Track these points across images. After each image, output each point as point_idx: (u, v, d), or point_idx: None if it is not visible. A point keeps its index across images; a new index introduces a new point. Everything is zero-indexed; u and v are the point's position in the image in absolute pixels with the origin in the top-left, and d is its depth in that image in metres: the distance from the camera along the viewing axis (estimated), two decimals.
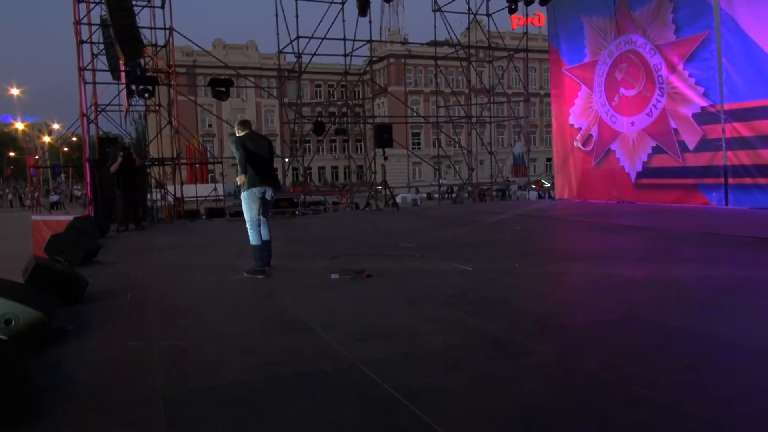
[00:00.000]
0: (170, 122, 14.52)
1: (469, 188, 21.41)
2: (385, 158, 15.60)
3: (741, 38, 10.54)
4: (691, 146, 11.81)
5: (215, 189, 17.07)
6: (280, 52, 17.90)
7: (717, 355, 3.16)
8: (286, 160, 28.17)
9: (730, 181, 11.03)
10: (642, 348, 3.30)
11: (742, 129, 10.75)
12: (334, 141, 54.28)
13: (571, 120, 15.17)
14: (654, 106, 12.60)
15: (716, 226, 8.67)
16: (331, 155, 57.28)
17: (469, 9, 18.65)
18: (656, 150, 12.67)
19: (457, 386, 2.78)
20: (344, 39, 17.42)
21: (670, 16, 12.00)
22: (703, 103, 11.49)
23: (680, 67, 11.90)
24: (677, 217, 10.19)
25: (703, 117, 11.51)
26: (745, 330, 3.56)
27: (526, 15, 18.63)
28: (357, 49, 18.65)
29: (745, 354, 3.14)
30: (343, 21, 17.20)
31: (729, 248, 6.75)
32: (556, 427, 2.33)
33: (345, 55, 18.07)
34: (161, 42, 15.66)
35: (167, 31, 14.27)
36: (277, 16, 16.80)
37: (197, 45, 17.14)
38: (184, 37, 15.14)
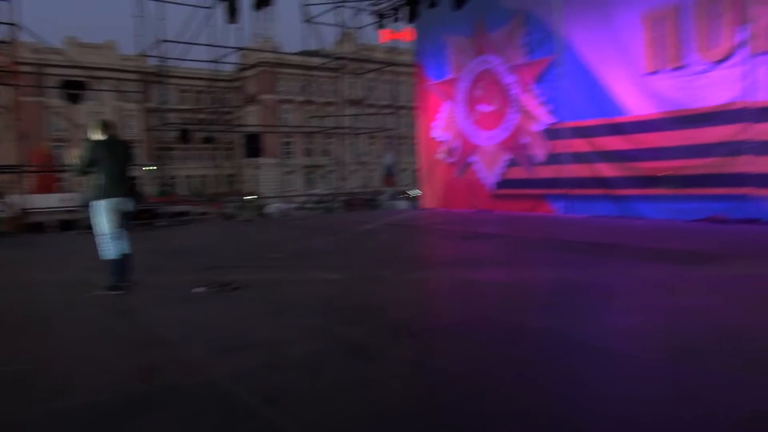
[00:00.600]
0: (13, 126, 13.22)
1: (340, 198, 21.69)
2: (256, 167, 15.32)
3: (578, 62, 11.79)
4: (540, 160, 12.93)
5: (68, 199, 15.79)
6: (142, 55, 17.00)
7: (554, 351, 3.53)
8: (149, 168, 26.71)
9: (573, 191, 12.23)
10: (490, 346, 3.60)
11: (582, 144, 11.97)
12: (204, 149, 52.36)
13: (435, 133, 15.96)
14: (509, 122, 13.64)
15: (561, 233, 9.57)
16: (200, 164, 55.16)
17: (339, 22, 19.00)
18: (511, 163, 13.71)
19: (316, 391, 2.85)
20: (212, 45, 16.96)
21: (522, 40, 13.09)
22: (550, 120, 12.64)
23: (531, 86, 13.01)
24: (528, 225, 11.10)
25: (550, 133, 12.66)
26: (581, 327, 4.00)
27: (394, 30, 19.33)
28: (226, 55, 18.25)
29: (577, 348, 3.53)
30: (212, 26, 16.77)
31: (570, 253, 7.49)
32: (411, 426, 2.48)
33: (214, 62, 17.60)
34: (4, 38, 14.24)
35: (12, 27, 13.02)
36: (138, 16, 15.98)
37: (45, 42, 15.78)
38: (31, 33, 13.90)
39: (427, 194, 16.59)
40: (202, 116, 39.12)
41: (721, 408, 2.52)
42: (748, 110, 9.36)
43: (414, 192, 19.81)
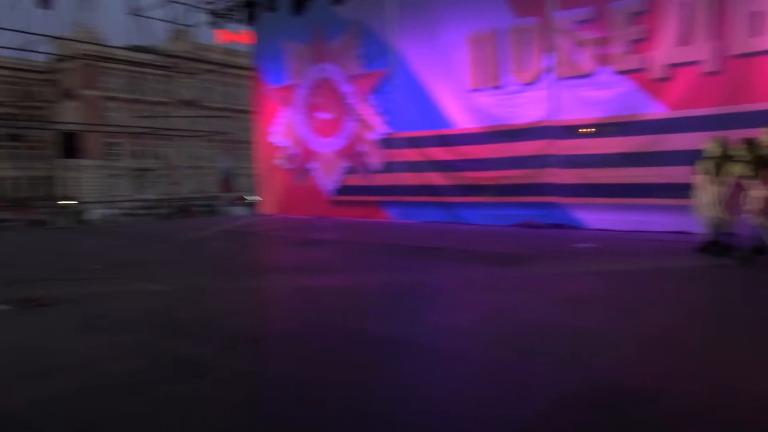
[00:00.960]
0: None
1: (173, 204, 20.51)
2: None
3: (410, 76, 12.43)
4: (376, 168, 13.38)
5: None
6: None
7: (387, 353, 3.65)
8: None
9: (407, 198, 12.82)
10: (326, 352, 3.62)
11: (414, 154, 12.61)
12: (12, 148, 46.25)
13: (274, 138, 15.78)
14: (347, 130, 13.93)
15: (395, 238, 9.98)
16: (9, 164, 48.61)
17: (171, 18, 17.99)
18: (349, 170, 14.01)
19: (139, 415, 2.65)
20: (18, 31, 15.10)
21: (359, 51, 13.46)
22: (385, 130, 13.14)
23: (367, 97, 13.42)
24: (365, 231, 11.42)
25: (386, 142, 13.16)
26: (411, 328, 4.19)
27: (232, 31, 18.79)
28: (37, 43, 16.36)
29: (408, 349, 3.69)
30: (19, 10, 14.92)
31: (403, 257, 7.83)
32: None
33: (21, 49, 15.68)
34: None
35: None
36: None
37: None
38: None
39: (265, 200, 16.32)
40: (6, 110, 34.60)
41: (530, 394, 2.80)
42: (552, 128, 10.55)
43: (252, 198, 19.39)
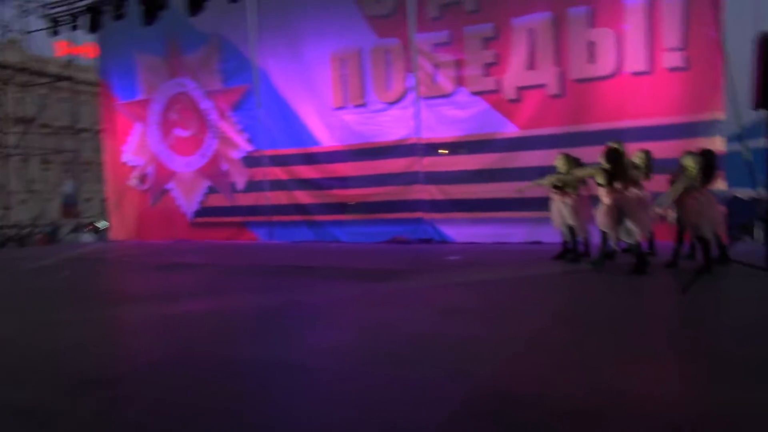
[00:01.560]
0: None
1: (4, 232, 18.19)
2: None
3: (273, 93, 12.18)
4: (240, 187, 12.87)
5: None
6: None
7: (261, 378, 3.38)
8: None
9: (273, 218, 12.47)
10: (197, 382, 3.27)
11: (280, 173, 12.32)
12: None
13: (126, 157, 14.62)
14: (207, 148, 13.28)
15: (263, 259, 9.60)
16: None
17: (1, 24, 16.11)
18: (211, 190, 13.34)
19: None
20: None
21: (217, 66, 12.94)
22: (248, 148, 12.71)
23: (228, 113, 12.91)
24: (230, 253, 10.88)
25: (250, 161, 12.73)
26: (285, 350, 3.94)
27: (73, 43, 17.22)
28: None
29: (283, 372, 3.44)
30: None
31: (272, 278, 7.51)
32: None
33: None
34: None
35: None
36: None
37: None
38: None
39: (117, 225, 15.00)
40: None
41: (421, 407, 2.70)
42: (417, 145, 10.86)
43: (101, 223, 17.78)
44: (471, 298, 5.56)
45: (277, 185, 12.42)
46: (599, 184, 6.39)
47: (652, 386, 2.93)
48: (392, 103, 11.03)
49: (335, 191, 11.78)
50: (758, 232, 8.02)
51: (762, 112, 9.41)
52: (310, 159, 11.97)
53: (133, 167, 14.49)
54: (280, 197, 12.40)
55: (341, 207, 11.77)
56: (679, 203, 6.35)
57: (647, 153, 7.05)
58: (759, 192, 7.16)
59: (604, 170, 6.29)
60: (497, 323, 4.46)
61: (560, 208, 7.35)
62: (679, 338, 3.96)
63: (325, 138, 11.77)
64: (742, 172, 8.83)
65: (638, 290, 5.61)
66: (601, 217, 6.55)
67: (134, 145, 14.48)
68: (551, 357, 3.51)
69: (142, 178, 14.36)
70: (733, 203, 8.42)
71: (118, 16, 13.31)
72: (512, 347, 3.76)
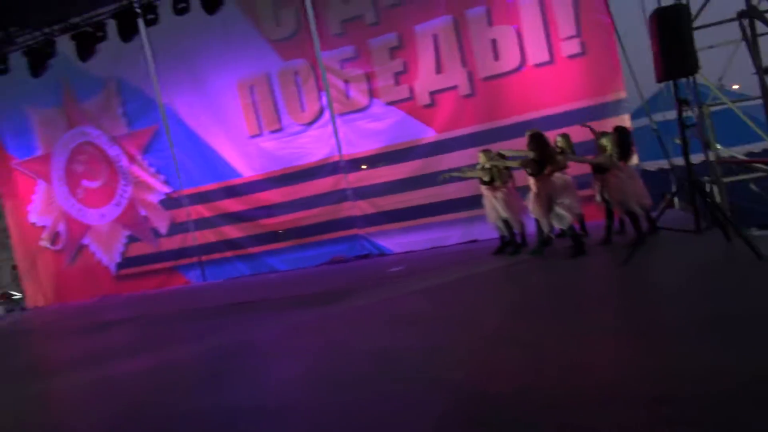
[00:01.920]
0: None
1: None
2: None
3: (185, 130, 11.75)
4: (163, 231, 12.31)
5: None
6: None
7: (227, 426, 3.16)
8: None
9: (203, 258, 11.99)
10: None
11: (204, 210, 11.88)
12: None
13: (33, 218, 13.65)
14: (121, 196, 12.63)
15: (199, 302, 9.18)
16: None
17: None
18: (131, 239, 12.68)
19: None
20: None
21: (120, 110, 12.35)
22: (166, 190, 12.19)
23: (139, 157, 12.34)
24: (163, 301, 10.34)
25: (169, 203, 12.20)
26: (247, 392, 3.72)
27: None
28: None
29: (249, 416, 3.24)
30: None
31: (214, 320, 7.17)
32: None
33: None
34: None
35: None
36: None
37: None
38: None
39: (33, 291, 13.94)
40: None
41: (407, 423, 2.59)
42: (341, 163, 10.79)
43: (13, 292, 16.46)
44: (423, 306, 5.52)
45: (203, 223, 11.98)
46: (530, 174, 6.54)
47: (623, 362, 2.97)
48: (309, 124, 10.92)
49: (264, 221, 11.50)
50: (680, 201, 8.47)
51: (665, 85, 10.14)
52: (233, 191, 11.62)
53: (43, 227, 13.55)
54: (207, 236, 11.96)
55: (273, 236, 11.49)
56: (603, 182, 6.62)
57: (567, 136, 7.33)
58: (671, 162, 7.58)
59: (533, 159, 6.45)
60: (455, 327, 4.43)
61: (493, 203, 7.48)
62: (633, 311, 4.08)
63: (245, 168, 11.48)
64: (652, 145, 9.38)
65: (582, 271, 5.76)
66: (532, 205, 6.71)
67: (40, 204, 13.55)
68: (518, 350, 3.51)
69: (54, 238, 13.45)
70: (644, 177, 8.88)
71: (2, 71, 12.46)
72: (478, 348, 3.73)
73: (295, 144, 11.04)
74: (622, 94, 9.01)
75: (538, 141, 6.45)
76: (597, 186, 6.89)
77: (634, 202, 6.41)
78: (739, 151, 8.54)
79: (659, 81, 5.10)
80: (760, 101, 6.72)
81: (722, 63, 8.24)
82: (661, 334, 3.34)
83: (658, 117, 9.87)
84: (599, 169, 6.70)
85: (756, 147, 8.95)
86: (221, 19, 10.91)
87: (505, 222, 7.49)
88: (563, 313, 4.20)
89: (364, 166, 10.64)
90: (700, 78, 7.12)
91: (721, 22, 6.99)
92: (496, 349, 3.66)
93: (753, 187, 7.43)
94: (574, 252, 6.34)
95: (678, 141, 8.47)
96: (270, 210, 11.35)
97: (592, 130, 7.11)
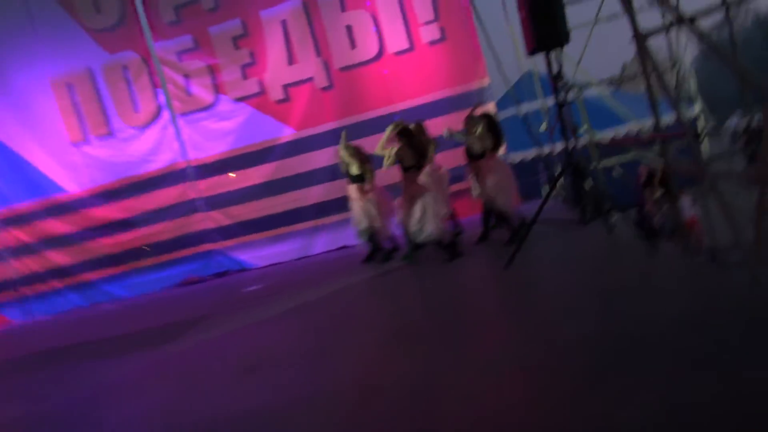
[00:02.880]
0: None
1: None
2: None
3: None
4: None
5: None
6: None
7: None
8: None
9: (24, 292, 9.98)
10: None
11: (22, 235, 9.89)
12: None
13: None
14: None
15: (13, 349, 7.42)
16: None
17: None
18: None
19: None
20: None
21: None
22: None
23: None
24: None
25: None
26: None
27: None
28: None
29: None
30: None
31: (25, 373, 5.62)
32: None
33: None
34: None
35: None
36: None
37: None
38: None
39: None
40: None
41: None
42: (187, 169, 9.41)
43: None
44: (279, 338, 4.51)
45: (22, 250, 9.93)
46: (407, 169, 5.75)
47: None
48: (145, 126, 9.39)
49: (100, 241, 9.76)
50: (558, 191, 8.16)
51: (525, 73, 9.92)
52: (58, 210, 9.71)
53: None
54: (28, 264, 9.94)
55: (112, 258, 9.80)
56: (477, 172, 6.02)
57: (420, 124, 6.68)
58: (540, 150, 7.20)
59: (403, 153, 5.67)
60: (315, 370, 3.49)
61: (366, 208, 6.60)
62: (519, 319, 3.40)
63: (69, 182, 9.65)
64: (516, 135, 9.09)
65: (460, 278, 5.08)
66: (399, 208, 5.99)
67: None
68: (410, 379, 2.65)
69: None
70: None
71: None
72: (363, 384, 2.82)
73: (130, 150, 9.47)
74: (486, 81, 8.58)
75: (406, 134, 5.73)
76: (472, 178, 6.28)
77: (504, 199, 5.89)
78: (604, 137, 8.43)
79: (530, 53, 4.52)
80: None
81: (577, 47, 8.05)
82: (553, 371, 2.63)
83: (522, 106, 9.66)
84: (473, 157, 6.09)
85: (619, 131, 8.95)
86: (25, 5, 9.07)
87: (372, 227, 6.68)
88: (449, 326, 3.44)
89: (232, 174, 9.30)
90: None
91: None
92: (388, 390, 2.77)
93: (618, 170, 7.26)
94: (449, 256, 5.66)
95: (544, 129, 8.22)
96: (105, 229, 9.64)
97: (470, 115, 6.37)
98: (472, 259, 5.56)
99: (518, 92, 9.20)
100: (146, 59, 9.21)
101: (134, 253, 9.76)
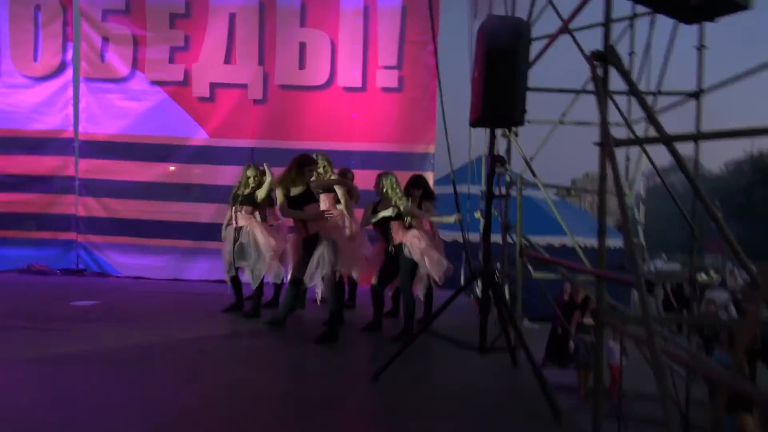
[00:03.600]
0: None
1: None
2: None
3: None
4: None
5: None
6: None
7: None
8: None
9: None
10: None
11: None
12: None
13: None
14: None
15: None
16: None
17: None
18: None
19: None
20: None
21: None
22: None
23: None
24: None
25: None
26: None
27: None
28: None
29: None
30: None
31: None
32: None
33: None
34: None
35: None
36: None
37: None
38: None
39: None
40: None
41: None
42: (74, 142, 8.02)
43: None
44: (41, 396, 3.21)
45: None
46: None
47: None
48: (40, 79, 7.99)
49: None
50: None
51: (475, 157, 9.13)
52: None
53: None
54: None
55: None
56: (396, 237, 4.97)
57: (325, 156, 5.67)
58: (466, 237, 6.28)
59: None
60: None
61: (258, 240, 5.39)
62: None
63: None
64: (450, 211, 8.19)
65: (318, 375, 3.93)
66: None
67: None
68: None
69: None
70: None
71: None
72: None
73: (14, 100, 8.01)
74: (431, 149, 7.71)
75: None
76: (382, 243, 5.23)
77: (422, 281, 4.89)
78: (537, 242, 7.62)
79: (473, 124, 3.58)
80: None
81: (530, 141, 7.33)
82: None
83: (462, 189, 8.88)
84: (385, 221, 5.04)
85: (555, 240, 8.20)
86: None
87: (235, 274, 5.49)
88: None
89: (172, 167, 7.88)
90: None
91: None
92: None
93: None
94: (324, 336, 4.54)
95: (478, 215, 7.34)
96: None
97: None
98: (342, 352, 4.43)
99: (462, 173, 8.39)
100: (65, 5, 7.91)
101: None
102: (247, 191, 5.47)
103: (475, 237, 7.38)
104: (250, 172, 5.58)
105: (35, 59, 7.97)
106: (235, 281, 5.54)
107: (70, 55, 7.96)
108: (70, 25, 7.92)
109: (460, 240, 9.02)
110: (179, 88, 7.80)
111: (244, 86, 7.79)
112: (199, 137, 7.84)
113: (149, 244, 7.91)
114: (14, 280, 7.52)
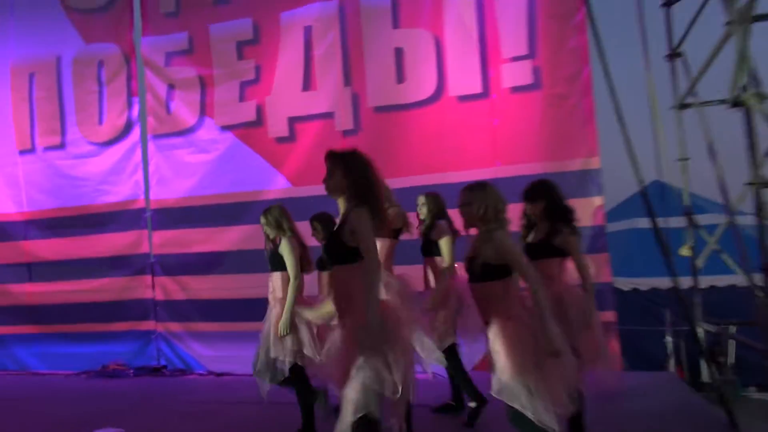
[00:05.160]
0: None
1: None
2: None
3: None
4: None
5: None
6: None
7: None
8: None
9: None
10: None
11: None
12: None
13: None
14: None
15: None
16: None
17: None
18: None
19: None
20: None
21: None
22: None
23: None
24: None
25: None
26: None
27: None
28: None
29: None
30: None
31: None
32: None
33: None
34: None
35: None
36: None
37: None
38: None
39: None
40: None
41: None
42: (146, 212, 6.72)
43: None
44: None
45: None
46: None
47: None
48: (106, 144, 6.86)
49: (19, 287, 7.19)
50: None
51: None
52: None
53: None
54: None
55: (26, 313, 7.15)
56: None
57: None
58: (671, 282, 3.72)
59: None
60: None
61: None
62: None
63: (6, 199, 7.28)
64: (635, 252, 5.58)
65: None
66: None
67: None
68: None
69: None
70: None
71: None
72: None
73: (82, 172, 6.94)
74: (595, 163, 5.26)
75: None
76: None
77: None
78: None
79: None
80: None
81: None
82: None
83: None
84: None
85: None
86: None
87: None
88: None
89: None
90: None
91: None
92: None
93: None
94: None
95: (685, 253, 4.76)
96: (20, 271, 7.08)
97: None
98: None
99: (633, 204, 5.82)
100: (128, 57, 6.81)
101: (58, 311, 7.05)
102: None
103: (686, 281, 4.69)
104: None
105: (100, 122, 6.88)
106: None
107: (135, 111, 6.79)
108: (134, 78, 6.79)
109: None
110: (251, 129, 6.21)
111: (329, 115, 5.98)
112: (279, 186, 6.10)
113: (230, 329, 6.20)
114: (79, 387, 6.13)
